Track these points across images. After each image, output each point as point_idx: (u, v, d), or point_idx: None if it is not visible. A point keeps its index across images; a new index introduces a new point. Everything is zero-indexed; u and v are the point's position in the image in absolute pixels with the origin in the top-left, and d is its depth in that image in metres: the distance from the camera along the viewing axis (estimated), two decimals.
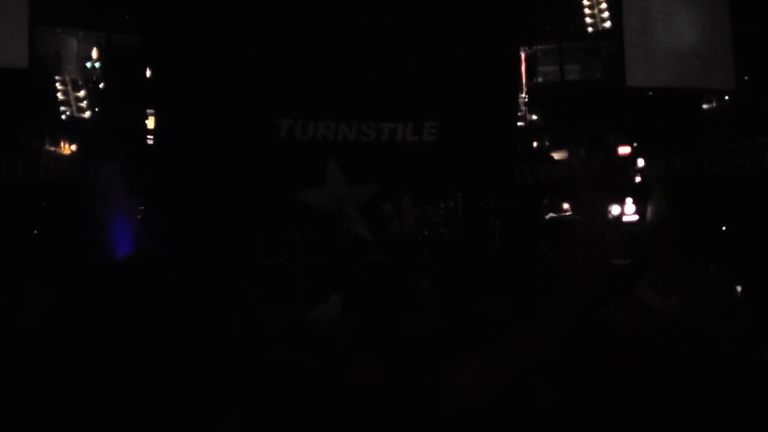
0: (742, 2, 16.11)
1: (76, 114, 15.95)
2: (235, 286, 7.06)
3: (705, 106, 17.29)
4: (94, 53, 16.04)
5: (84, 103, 15.99)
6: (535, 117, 17.49)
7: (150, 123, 15.36)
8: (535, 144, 17.29)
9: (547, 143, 17.22)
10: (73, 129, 15.89)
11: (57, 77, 15.94)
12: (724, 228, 14.86)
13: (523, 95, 17.23)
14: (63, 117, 15.89)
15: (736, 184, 14.91)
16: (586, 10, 17.62)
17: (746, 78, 16.56)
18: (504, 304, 4.69)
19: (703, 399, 2.44)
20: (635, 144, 13.60)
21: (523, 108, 17.22)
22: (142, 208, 14.38)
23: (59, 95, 15.89)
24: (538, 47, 17.39)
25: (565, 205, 15.40)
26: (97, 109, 15.90)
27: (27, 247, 13.25)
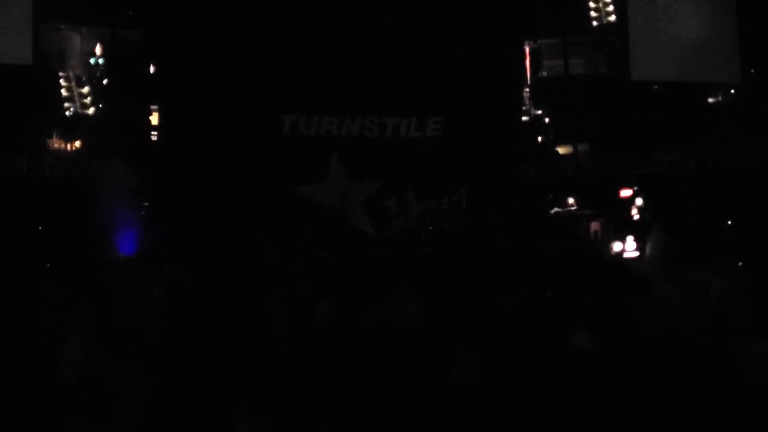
0: None
1: (80, 110, 15.94)
2: (236, 284, 7.06)
3: (710, 100, 17.21)
4: (98, 49, 16.02)
5: (88, 100, 15.98)
6: (539, 111, 17.43)
7: (154, 119, 15.35)
8: (539, 139, 17.24)
9: (551, 138, 17.17)
10: (77, 125, 15.90)
11: (61, 73, 15.94)
12: (729, 223, 14.82)
13: (528, 90, 17.17)
14: (67, 113, 15.89)
15: (741, 180, 14.86)
16: (591, 4, 17.53)
17: (752, 71, 16.48)
18: (523, 299, 4.69)
19: (707, 394, 2.43)
20: (635, 187, 13.87)
21: (528, 102, 17.17)
22: (145, 204, 14.38)
23: (63, 91, 15.88)
24: (543, 41, 17.32)
25: (570, 200, 15.37)
26: (100, 106, 15.90)
27: (31, 243, 13.29)
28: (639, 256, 12.00)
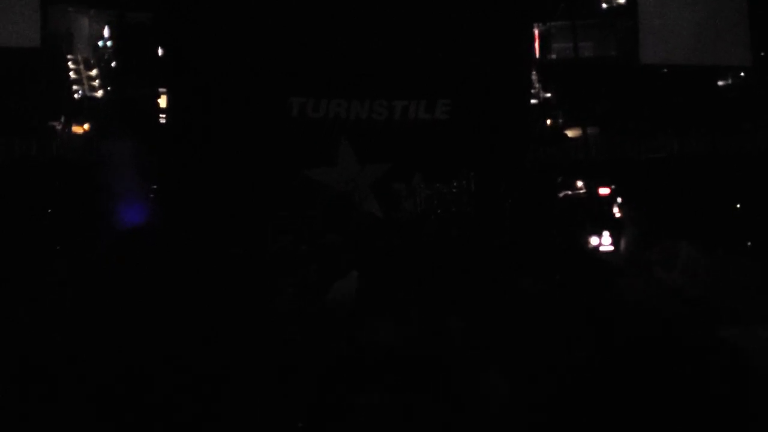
0: None
1: (88, 93, 15.96)
2: (244, 266, 7.09)
3: (720, 83, 17.12)
4: (106, 32, 16.01)
5: (96, 82, 16.00)
6: (548, 95, 17.38)
7: (162, 102, 15.35)
8: (548, 122, 17.20)
9: (560, 121, 17.13)
10: (86, 108, 15.92)
11: (69, 56, 15.95)
12: (737, 206, 14.79)
13: (536, 73, 17.11)
14: (75, 96, 15.92)
15: (752, 165, 14.81)
16: None
17: (762, 54, 16.39)
18: (544, 282, 4.70)
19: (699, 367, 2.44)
20: (613, 186, 14.07)
21: (537, 85, 17.11)
22: (154, 187, 14.40)
23: (71, 74, 15.90)
24: (552, 24, 17.25)
25: (579, 184, 15.35)
26: (109, 88, 15.91)
27: (42, 226, 13.35)
28: (613, 251, 12.21)
